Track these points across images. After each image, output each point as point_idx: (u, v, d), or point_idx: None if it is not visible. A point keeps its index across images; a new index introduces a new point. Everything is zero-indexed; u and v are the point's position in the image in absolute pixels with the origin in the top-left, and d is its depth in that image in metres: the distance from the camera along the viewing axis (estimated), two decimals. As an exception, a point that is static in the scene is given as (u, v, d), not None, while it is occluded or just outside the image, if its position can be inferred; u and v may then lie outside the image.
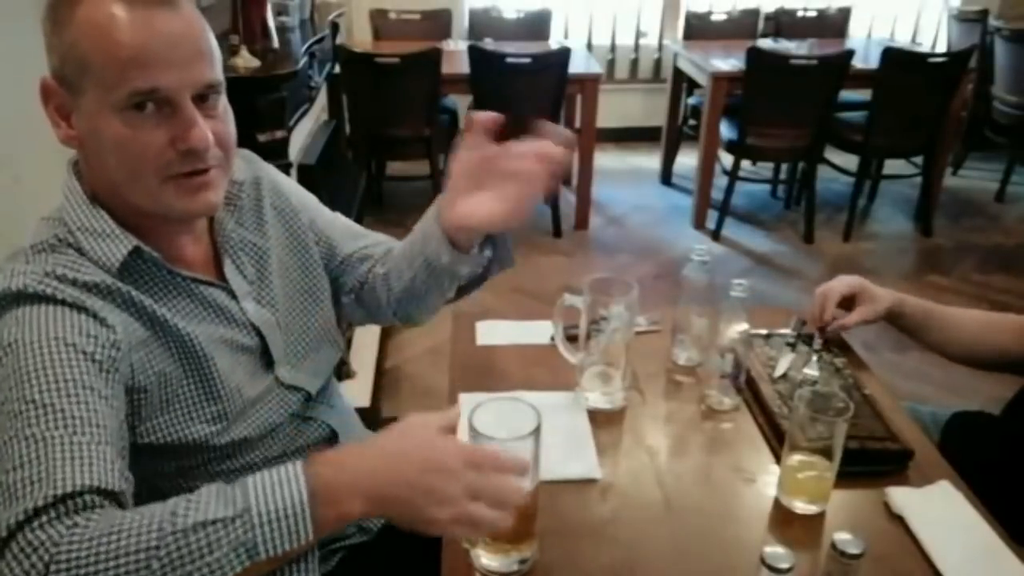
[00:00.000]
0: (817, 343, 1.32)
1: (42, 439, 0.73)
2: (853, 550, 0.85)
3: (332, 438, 1.09)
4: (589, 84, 3.71)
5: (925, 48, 4.72)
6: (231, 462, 0.96)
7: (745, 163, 3.95)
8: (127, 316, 0.87)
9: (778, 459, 1.09)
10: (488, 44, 3.88)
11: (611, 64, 5.10)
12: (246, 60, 1.94)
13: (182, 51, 0.84)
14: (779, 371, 1.26)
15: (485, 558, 0.94)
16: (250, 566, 0.70)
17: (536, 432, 0.87)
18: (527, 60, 3.46)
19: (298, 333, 1.06)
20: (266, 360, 1.01)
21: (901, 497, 1.03)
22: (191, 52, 0.85)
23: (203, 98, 0.87)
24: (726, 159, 3.89)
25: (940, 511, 1.02)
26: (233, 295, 0.99)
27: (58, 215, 0.90)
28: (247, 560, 0.69)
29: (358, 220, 3.80)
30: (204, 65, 0.86)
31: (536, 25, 4.42)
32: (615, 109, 4.85)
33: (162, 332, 0.89)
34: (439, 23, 4.32)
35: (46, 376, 0.77)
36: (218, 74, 0.89)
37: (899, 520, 1.01)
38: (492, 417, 0.88)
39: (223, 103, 0.91)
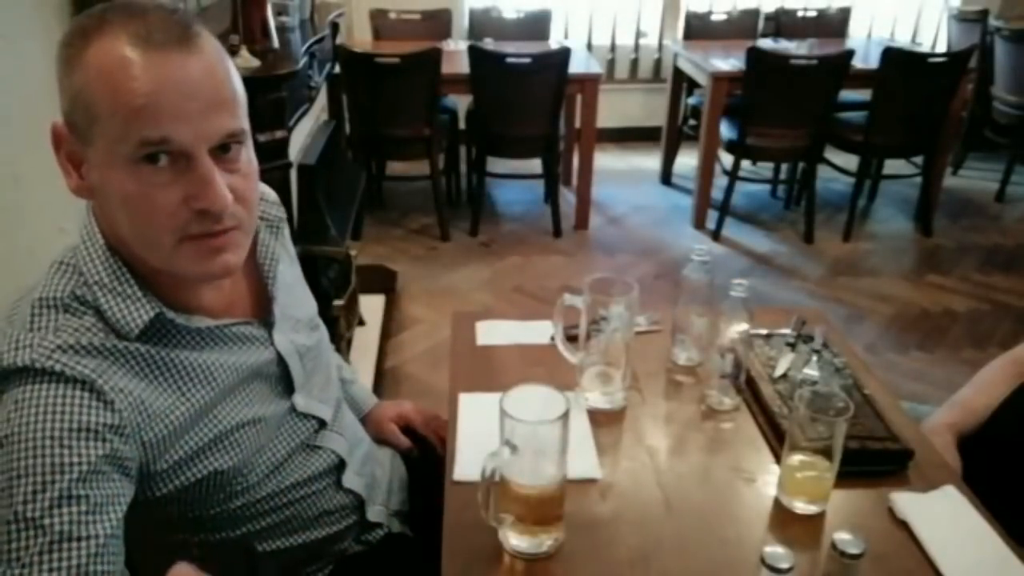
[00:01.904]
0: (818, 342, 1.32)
1: (29, 564, 0.71)
2: (853, 550, 0.85)
3: (340, 465, 1.08)
4: (589, 84, 3.71)
5: (925, 48, 4.71)
6: (240, 499, 0.95)
7: (745, 163, 3.95)
8: (144, 386, 0.83)
9: (778, 459, 1.09)
10: (488, 44, 3.88)
11: (611, 64, 5.10)
12: (246, 60, 1.94)
13: (199, 100, 0.77)
14: (779, 371, 1.26)
15: (514, 539, 0.96)
16: None
17: (565, 417, 0.89)
18: (527, 60, 3.46)
19: (311, 361, 1.05)
20: (283, 386, 1.00)
21: (905, 503, 1.02)
22: (209, 101, 0.77)
23: (224, 148, 0.80)
24: (726, 159, 3.89)
25: (946, 518, 1.01)
26: (263, 325, 0.97)
27: (73, 261, 0.84)
28: None
29: (358, 220, 3.80)
30: (224, 114, 0.79)
31: (536, 25, 4.42)
32: (615, 109, 4.85)
33: (187, 382, 0.86)
34: (439, 23, 4.32)
35: (33, 479, 0.73)
36: (241, 122, 0.82)
37: (900, 521, 1.01)
38: (523, 402, 0.90)
39: (246, 154, 0.84)
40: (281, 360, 0.98)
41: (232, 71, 0.82)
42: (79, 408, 0.77)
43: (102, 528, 0.75)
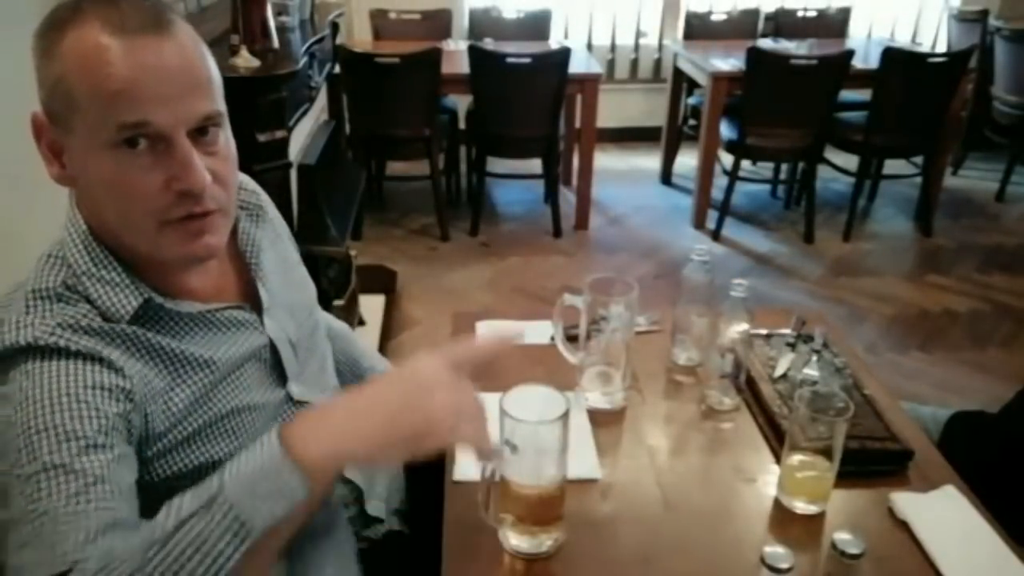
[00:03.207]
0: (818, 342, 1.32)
1: (45, 512, 0.71)
2: (853, 550, 0.85)
3: None
4: (589, 84, 3.71)
5: (925, 48, 4.71)
6: None
7: (745, 163, 3.95)
8: (143, 366, 0.83)
9: (778, 459, 1.09)
10: (488, 44, 3.88)
11: (611, 64, 5.10)
12: (246, 60, 1.94)
13: (176, 84, 0.78)
14: (779, 371, 1.26)
15: (514, 539, 0.96)
16: (254, 543, 0.68)
17: (565, 416, 0.89)
18: (527, 60, 3.46)
19: (306, 350, 1.05)
20: (277, 374, 1.00)
21: (905, 503, 1.02)
22: (186, 84, 0.79)
23: (202, 131, 0.81)
24: (726, 159, 3.89)
25: (945, 517, 1.01)
26: (254, 311, 0.97)
27: (60, 253, 0.85)
28: (243, 540, 0.68)
29: (358, 220, 3.79)
30: (201, 97, 0.80)
31: (536, 25, 4.42)
32: (615, 109, 4.85)
33: (183, 369, 0.87)
34: (439, 23, 4.32)
35: (56, 433, 0.74)
36: (218, 105, 0.83)
37: (900, 521, 1.01)
38: (523, 402, 0.90)
39: (224, 137, 0.85)
40: (273, 347, 0.98)
41: (207, 55, 0.83)
42: (91, 372, 0.78)
43: (129, 478, 0.76)
